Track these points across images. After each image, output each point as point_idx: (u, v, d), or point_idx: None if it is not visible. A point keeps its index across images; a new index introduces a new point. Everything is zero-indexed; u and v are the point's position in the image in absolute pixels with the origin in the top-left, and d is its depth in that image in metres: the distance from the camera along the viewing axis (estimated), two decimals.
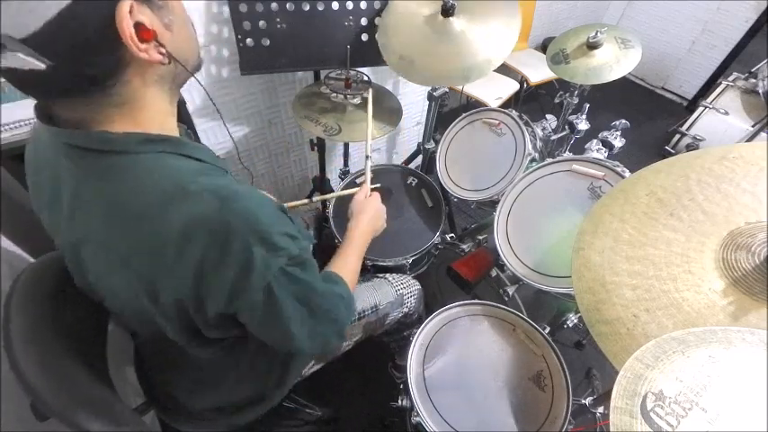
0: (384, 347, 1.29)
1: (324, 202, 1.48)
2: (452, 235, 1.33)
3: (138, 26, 0.43)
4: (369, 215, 0.90)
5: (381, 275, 1.10)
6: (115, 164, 0.48)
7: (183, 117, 1.17)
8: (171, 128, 0.55)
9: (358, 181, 1.35)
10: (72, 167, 0.51)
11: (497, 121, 1.22)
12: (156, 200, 0.47)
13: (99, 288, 0.60)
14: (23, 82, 0.43)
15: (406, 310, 1.07)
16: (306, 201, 1.11)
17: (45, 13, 0.38)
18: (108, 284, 0.57)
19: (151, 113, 0.51)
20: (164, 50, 0.47)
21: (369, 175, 1.07)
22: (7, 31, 0.38)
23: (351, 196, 1.03)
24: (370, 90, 1.15)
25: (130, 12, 0.42)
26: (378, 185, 1.22)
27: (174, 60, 0.49)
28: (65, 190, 0.53)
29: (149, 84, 0.49)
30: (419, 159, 1.67)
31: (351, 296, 0.70)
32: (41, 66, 0.40)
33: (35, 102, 0.50)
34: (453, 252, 1.25)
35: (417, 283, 1.12)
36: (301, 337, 0.59)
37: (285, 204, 1.02)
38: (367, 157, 1.11)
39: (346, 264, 0.80)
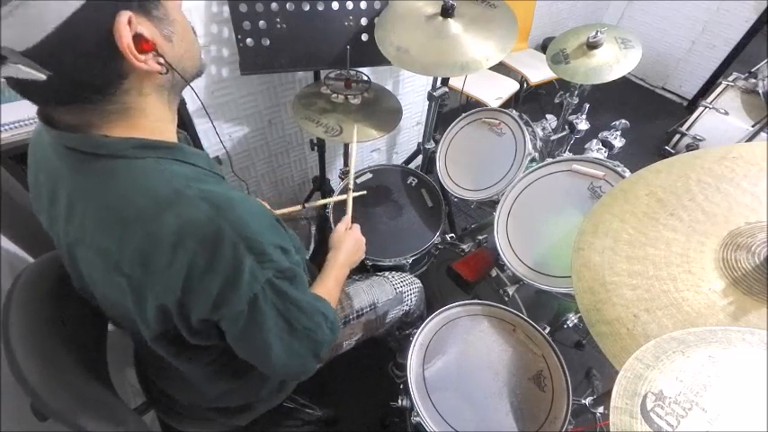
0: (384, 347, 1.29)
1: (324, 204, 1.48)
2: (452, 235, 1.33)
3: (138, 37, 0.44)
4: (347, 248, 0.91)
5: (380, 274, 1.10)
6: (110, 168, 0.48)
7: (183, 117, 1.17)
8: (170, 134, 0.55)
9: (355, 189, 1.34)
10: (69, 170, 0.51)
11: (497, 121, 1.22)
12: (149, 204, 0.47)
13: (92, 289, 0.60)
14: (24, 89, 0.44)
15: (406, 308, 1.07)
16: (299, 207, 1.08)
17: (45, 26, 0.39)
18: (99, 286, 0.58)
19: (151, 120, 0.51)
20: (162, 60, 0.47)
21: (350, 207, 1.05)
22: (9, 44, 0.39)
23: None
24: (355, 132, 1.13)
25: (129, 23, 0.42)
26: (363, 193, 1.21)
27: (173, 70, 0.50)
28: (62, 191, 0.53)
29: (149, 92, 0.50)
30: (419, 159, 1.67)
31: (335, 317, 0.69)
32: (41, 76, 0.41)
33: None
34: (453, 252, 1.25)
35: (418, 281, 1.12)
36: (279, 352, 0.58)
37: (276, 212, 1.03)
38: (349, 189, 1.09)
39: (325, 290, 0.79)
